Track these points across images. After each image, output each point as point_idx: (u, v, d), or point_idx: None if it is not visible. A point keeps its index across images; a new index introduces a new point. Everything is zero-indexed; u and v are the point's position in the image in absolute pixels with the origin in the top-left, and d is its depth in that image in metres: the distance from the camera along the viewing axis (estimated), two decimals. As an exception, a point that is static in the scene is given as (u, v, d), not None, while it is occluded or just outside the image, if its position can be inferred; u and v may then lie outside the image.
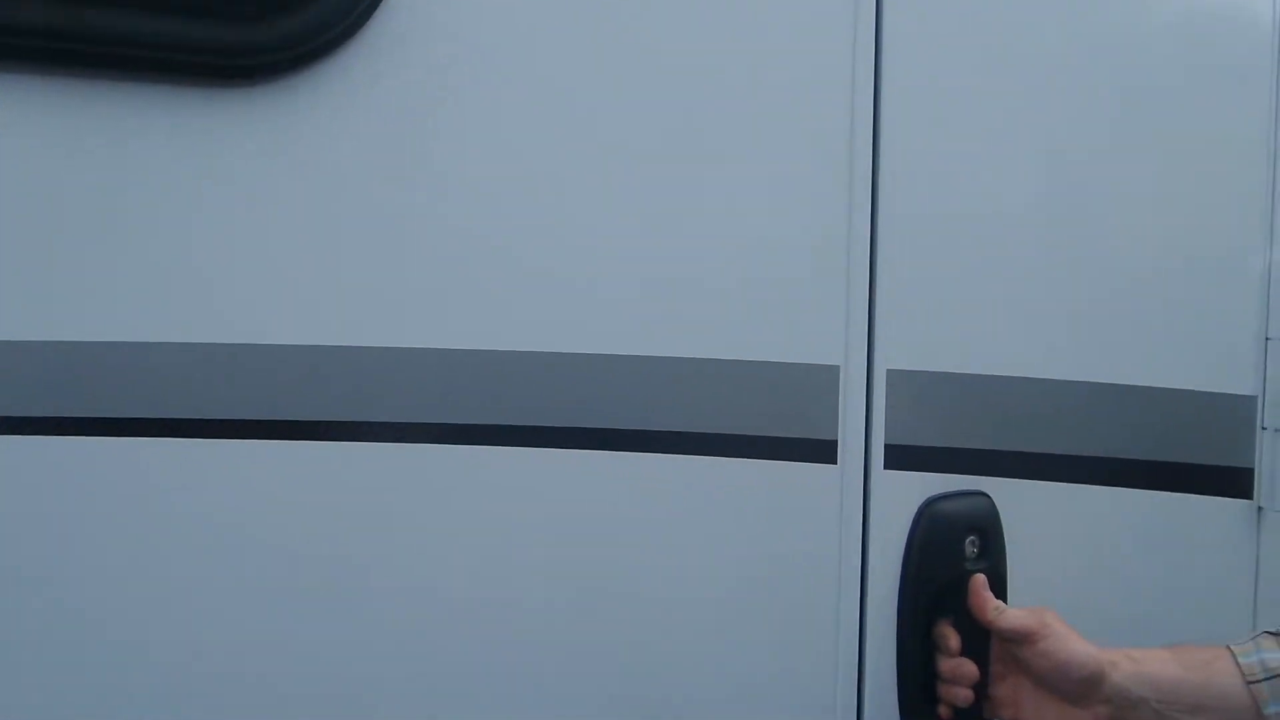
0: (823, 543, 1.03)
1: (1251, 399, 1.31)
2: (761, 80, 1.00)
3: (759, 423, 0.99)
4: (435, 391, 0.92)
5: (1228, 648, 1.00)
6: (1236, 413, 1.30)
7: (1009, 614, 1.03)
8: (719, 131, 0.99)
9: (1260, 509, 1.31)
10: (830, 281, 1.02)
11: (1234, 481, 1.31)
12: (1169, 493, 1.27)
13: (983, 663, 1.05)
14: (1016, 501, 1.13)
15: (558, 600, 0.95)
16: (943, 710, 1.06)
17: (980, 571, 1.07)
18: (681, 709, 0.99)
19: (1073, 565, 1.20)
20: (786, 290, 1.00)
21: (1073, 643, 1.00)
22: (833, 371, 1.01)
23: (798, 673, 1.03)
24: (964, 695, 1.04)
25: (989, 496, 1.10)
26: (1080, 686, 1.00)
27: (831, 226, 1.02)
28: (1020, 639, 1.02)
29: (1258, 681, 0.96)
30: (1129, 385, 1.22)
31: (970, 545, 1.07)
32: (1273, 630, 1.01)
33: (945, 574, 1.06)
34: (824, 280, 1.02)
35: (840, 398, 1.02)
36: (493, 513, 0.93)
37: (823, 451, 1.01)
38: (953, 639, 1.04)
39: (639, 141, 0.97)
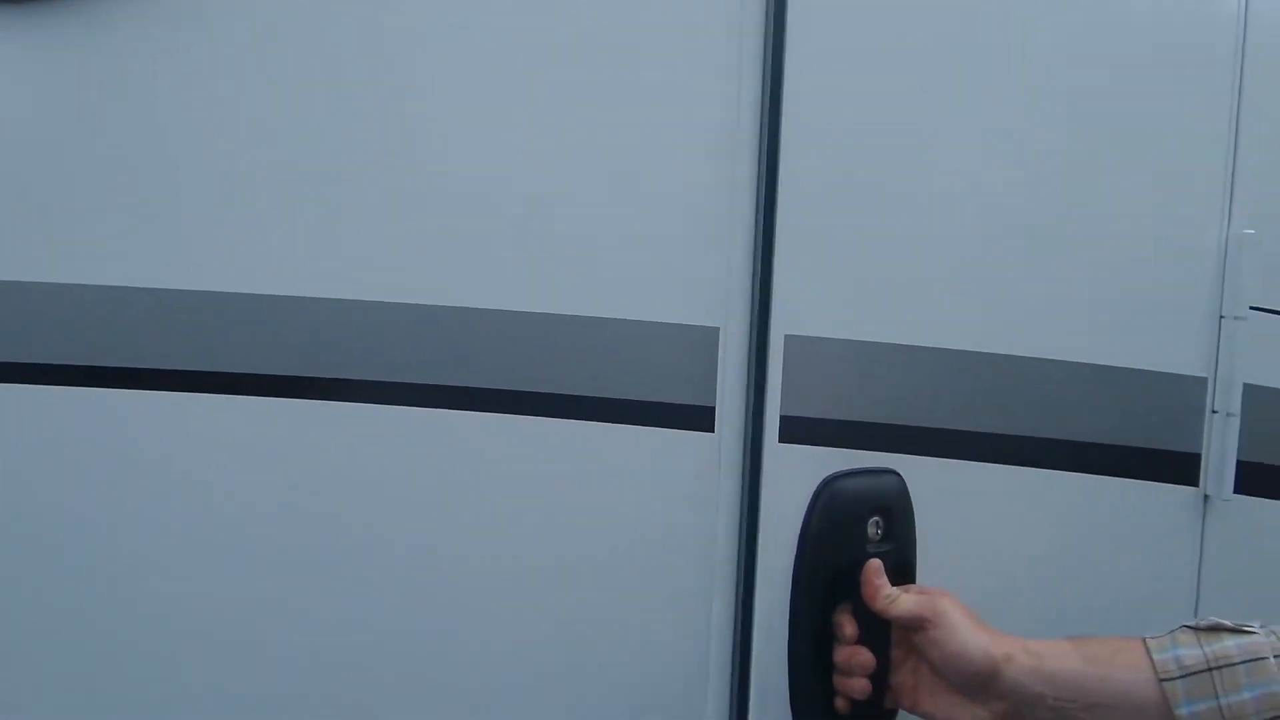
0: (699, 517, 0.95)
1: (1200, 380, 1.22)
2: (644, 20, 0.91)
3: (630, 386, 0.92)
4: (285, 342, 0.86)
5: (1142, 641, 0.92)
6: (1183, 394, 1.22)
7: (901, 601, 0.96)
8: (594, 74, 0.91)
9: (1207, 496, 1.23)
10: (710, 238, 0.94)
11: (1179, 467, 1.22)
12: (1107, 477, 1.19)
13: (883, 650, 0.98)
14: (933, 482, 1.05)
15: (390, 573, 0.89)
16: (839, 703, 0.99)
17: (884, 555, 0.99)
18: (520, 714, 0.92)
19: (997, 552, 1.12)
20: (662, 245, 0.93)
21: (965, 634, 0.92)
22: (711, 334, 0.93)
23: (661, 673, 0.96)
24: (860, 686, 0.96)
25: (899, 475, 1.02)
26: (972, 680, 0.92)
27: (714, 179, 0.93)
28: (913, 626, 0.95)
29: (1172, 679, 0.89)
30: (1065, 361, 1.14)
31: (874, 527, 0.99)
32: (1191, 624, 0.93)
33: (844, 558, 0.98)
34: (703, 236, 0.94)
35: (720, 361, 0.94)
36: (330, 469, 0.87)
37: (700, 419, 0.94)
38: (848, 626, 0.97)
39: (510, 84, 0.89)
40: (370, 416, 0.87)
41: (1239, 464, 1.22)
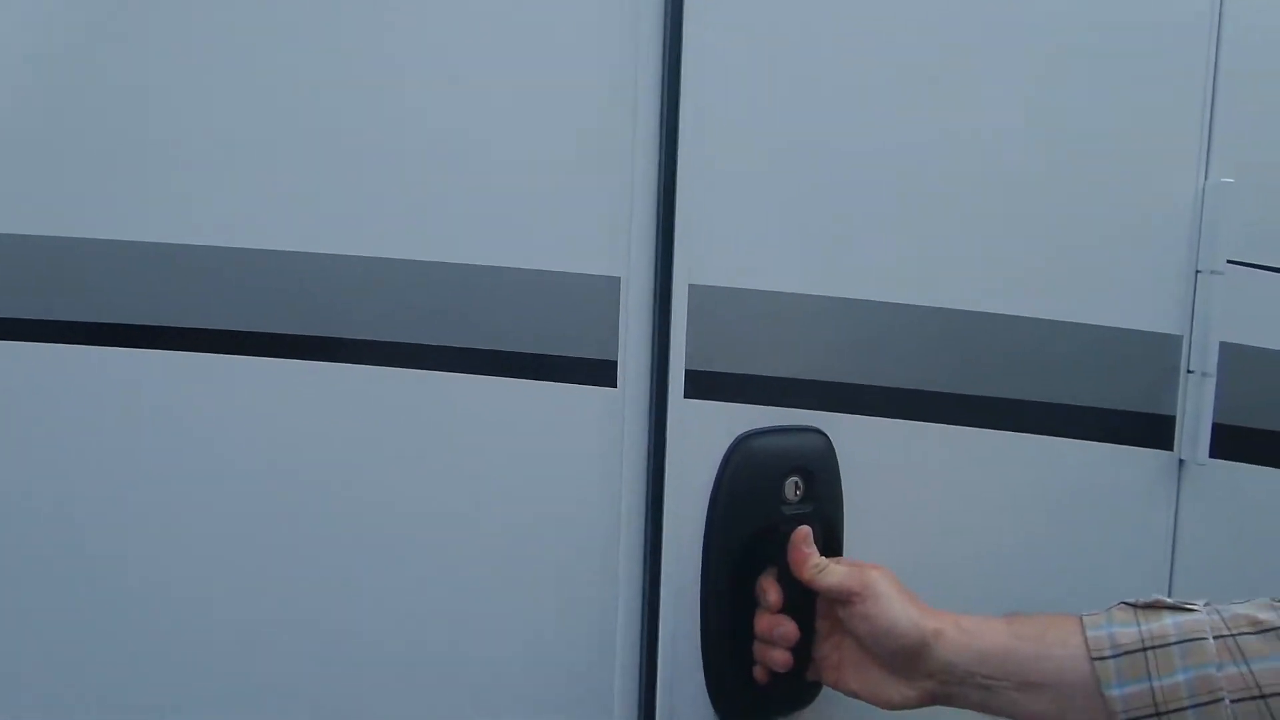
0: (602, 476, 0.91)
1: (1175, 338, 1.15)
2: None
3: (527, 339, 0.87)
4: (151, 291, 0.82)
5: (1078, 618, 0.86)
6: (1156, 353, 1.15)
7: (830, 571, 0.91)
8: (487, 14, 0.86)
9: (1181, 461, 1.16)
10: (611, 183, 0.89)
11: (1152, 429, 1.16)
12: (1075, 440, 1.12)
13: (807, 621, 0.93)
14: (864, 443, 1.00)
15: (270, 532, 0.85)
16: (758, 672, 0.94)
17: (804, 517, 0.94)
18: (406, 697, 0.88)
19: (952, 521, 1.07)
20: (559, 191, 0.88)
21: (895, 608, 0.88)
22: (612, 283, 0.88)
23: (566, 638, 0.92)
24: (781, 658, 0.92)
25: (823, 434, 0.97)
26: (901, 657, 0.88)
27: (613, 121, 0.88)
28: (840, 599, 0.90)
29: (1103, 658, 0.83)
30: (1030, 318, 1.08)
31: (792, 487, 0.94)
32: (1131, 600, 0.87)
33: (760, 520, 0.93)
34: (604, 181, 0.88)
35: (622, 313, 0.89)
36: (205, 426, 0.83)
37: (600, 373, 0.89)
38: (772, 593, 0.92)
39: (404, 23, 0.85)
40: (255, 371, 0.84)
41: (1215, 426, 1.15)
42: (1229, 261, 1.14)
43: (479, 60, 0.86)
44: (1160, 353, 1.15)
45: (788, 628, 0.91)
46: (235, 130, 0.82)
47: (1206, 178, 1.14)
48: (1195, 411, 1.15)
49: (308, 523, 0.85)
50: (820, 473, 0.95)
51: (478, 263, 0.86)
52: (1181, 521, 1.18)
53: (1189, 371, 1.16)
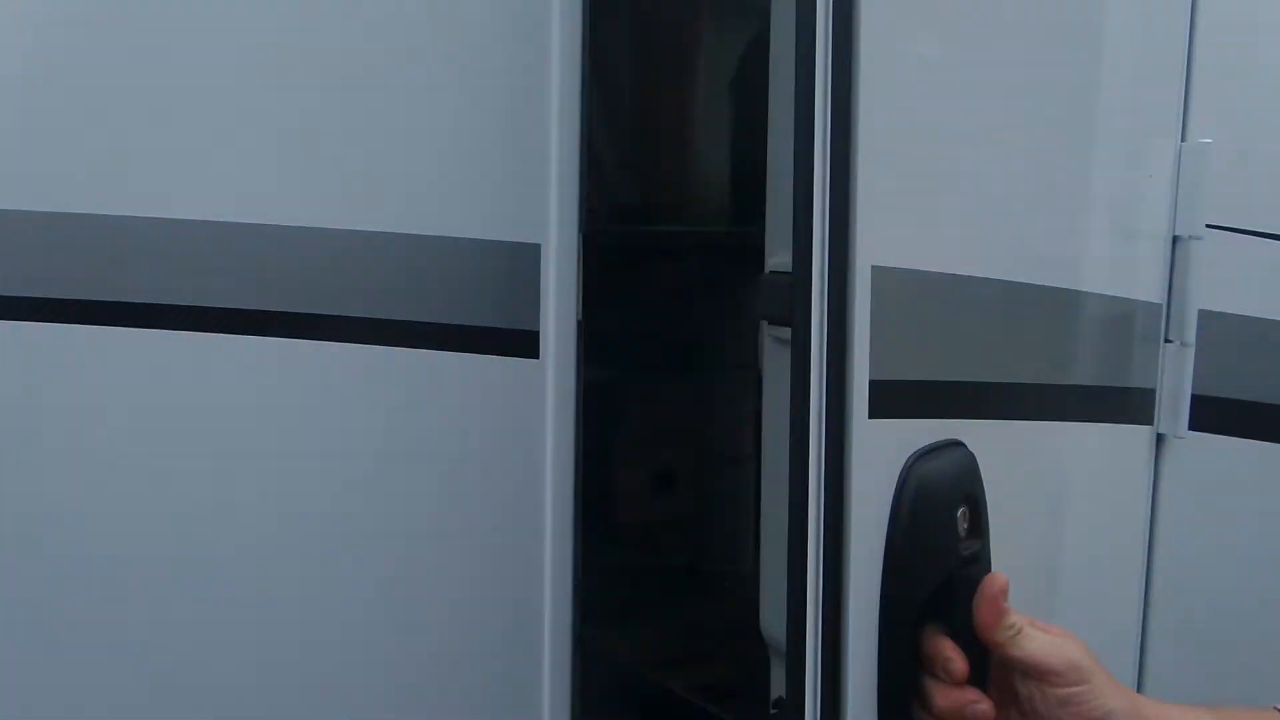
0: (525, 448, 0.84)
1: (1154, 306, 1.08)
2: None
3: (443, 309, 0.80)
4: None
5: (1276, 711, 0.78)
6: (1134, 322, 1.07)
7: (1028, 637, 0.74)
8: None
9: (1160, 435, 1.09)
10: (527, 147, 0.82)
11: (1130, 403, 1.08)
12: (1053, 422, 1.01)
13: (982, 688, 0.75)
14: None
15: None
16: (923, 741, 0.76)
17: (975, 560, 0.75)
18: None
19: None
20: (476, 156, 0.81)
21: (1107, 696, 0.74)
22: (531, 250, 0.81)
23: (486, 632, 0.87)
24: None
25: (968, 448, 0.79)
26: None
27: (529, 86, 0.82)
28: (1035, 674, 0.74)
29: None
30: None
31: (962, 521, 0.76)
32: None
33: (942, 566, 0.74)
34: (519, 146, 0.82)
35: (543, 282, 0.80)
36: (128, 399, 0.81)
37: (522, 344, 0.82)
38: (958, 661, 0.74)
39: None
40: (160, 342, 0.74)
41: (1193, 398, 1.09)
42: (1208, 226, 1.08)
43: (397, 31, 0.80)
44: (1139, 321, 1.08)
45: (984, 706, 0.74)
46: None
47: (1184, 138, 1.07)
48: (1174, 383, 1.09)
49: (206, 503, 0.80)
50: (980, 498, 0.77)
51: (392, 230, 0.78)
52: (1161, 499, 1.12)
53: (1167, 341, 1.09)
